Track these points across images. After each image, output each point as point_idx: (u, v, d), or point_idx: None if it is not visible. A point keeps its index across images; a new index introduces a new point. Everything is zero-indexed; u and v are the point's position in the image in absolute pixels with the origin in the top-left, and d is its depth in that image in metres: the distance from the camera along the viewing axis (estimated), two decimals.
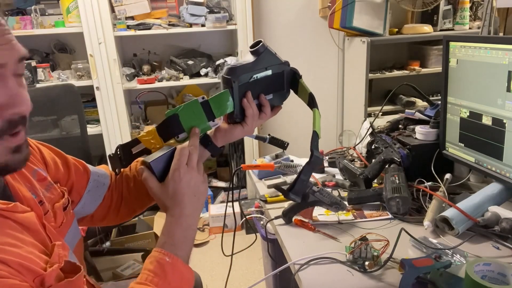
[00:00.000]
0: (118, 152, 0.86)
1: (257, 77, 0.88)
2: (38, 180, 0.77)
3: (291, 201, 1.15)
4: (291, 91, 0.95)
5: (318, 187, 1.10)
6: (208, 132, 0.91)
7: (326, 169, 1.51)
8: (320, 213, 1.18)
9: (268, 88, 0.91)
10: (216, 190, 2.99)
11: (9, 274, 0.56)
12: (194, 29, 2.57)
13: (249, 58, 0.88)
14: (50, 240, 0.69)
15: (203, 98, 0.84)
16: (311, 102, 0.92)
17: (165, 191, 0.78)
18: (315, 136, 0.87)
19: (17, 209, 0.65)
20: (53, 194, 0.79)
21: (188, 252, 0.78)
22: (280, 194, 1.31)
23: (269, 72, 0.89)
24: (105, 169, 0.99)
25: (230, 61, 2.64)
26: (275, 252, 1.55)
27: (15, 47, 0.60)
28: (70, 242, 0.78)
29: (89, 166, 0.94)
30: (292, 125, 3.06)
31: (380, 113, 1.57)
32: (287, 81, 0.93)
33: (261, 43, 0.87)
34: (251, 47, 0.88)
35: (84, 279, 0.73)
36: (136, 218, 2.60)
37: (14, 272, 0.57)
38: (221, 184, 3.02)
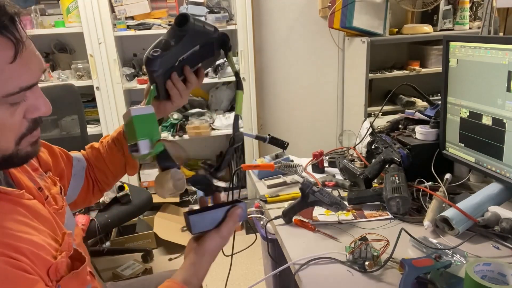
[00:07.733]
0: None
1: (183, 58, 0.83)
2: (32, 169, 0.81)
3: (291, 201, 1.16)
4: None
5: (318, 187, 1.10)
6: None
7: (326, 169, 1.50)
8: (320, 213, 1.18)
9: (197, 60, 0.87)
10: None
11: (31, 269, 0.59)
12: None
13: (173, 36, 0.80)
14: (58, 226, 0.72)
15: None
16: (237, 82, 0.87)
17: (211, 243, 0.80)
18: (237, 118, 0.85)
19: (24, 196, 0.69)
20: (46, 182, 0.83)
21: None
22: (280, 194, 1.31)
23: (197, 48, 0.83)
24: (78, 153, 1.04)
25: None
26: (275, 252, 1.55)
27: (42, 61, 0.65)
28: (69, 228, 0.80)
29: (69, 152, 1.00)
30: (292, 125, 3.08)
31: (380, 113, 1.57)
32: (216, 48, 0.87)
33: (188, 23, 0.78)
34: (178, 25, 0.79)
35: (88, 269, 0.77)
36: (136, 218, 2.60)
37: (29, 263, 0.60)
38: (221, 184, 3.00)
